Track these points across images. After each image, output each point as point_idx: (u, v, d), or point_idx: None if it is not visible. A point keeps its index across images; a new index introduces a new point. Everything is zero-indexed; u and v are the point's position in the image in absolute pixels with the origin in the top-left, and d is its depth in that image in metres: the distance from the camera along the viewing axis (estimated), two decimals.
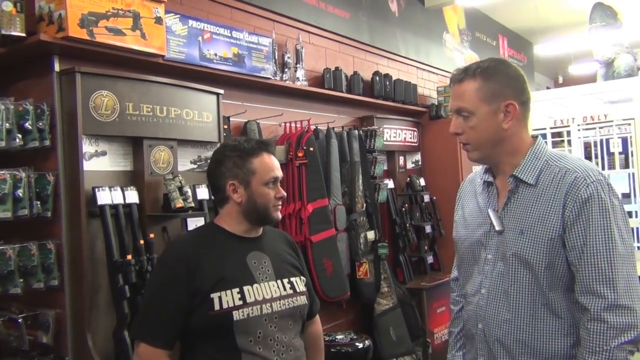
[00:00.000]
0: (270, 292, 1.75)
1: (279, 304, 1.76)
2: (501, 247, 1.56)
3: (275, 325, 1.73)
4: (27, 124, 2.21)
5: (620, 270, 1.41)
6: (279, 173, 1.83)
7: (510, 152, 1.57)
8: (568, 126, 5.32)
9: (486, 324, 1.57)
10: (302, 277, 1.89)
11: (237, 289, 1.70)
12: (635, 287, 1.42)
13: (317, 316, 2.05)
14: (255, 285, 1.73)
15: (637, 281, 1.43)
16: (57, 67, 2.31)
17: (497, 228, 1.55)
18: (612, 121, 5.06)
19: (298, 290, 1.83)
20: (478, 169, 1.76)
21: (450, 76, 1.63)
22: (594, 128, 5.31)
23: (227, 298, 1.67)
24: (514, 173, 1.55)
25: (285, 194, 1.85)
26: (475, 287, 1.63)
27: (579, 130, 5.16)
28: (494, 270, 1.57)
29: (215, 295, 1.67)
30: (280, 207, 1.84)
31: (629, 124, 5.13)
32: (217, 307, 1.66)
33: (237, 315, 1.67)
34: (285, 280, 1.81)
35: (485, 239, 1.61)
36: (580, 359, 1.42)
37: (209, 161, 1.94)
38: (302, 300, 1.84)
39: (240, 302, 1.68)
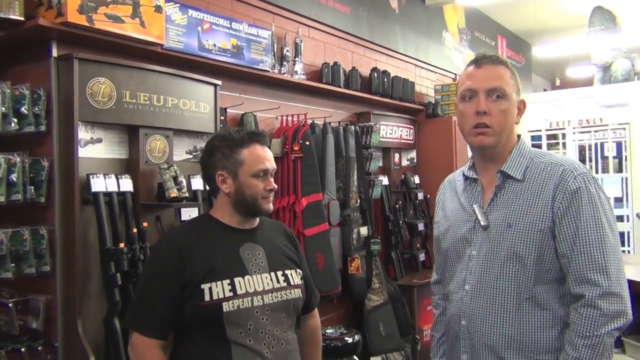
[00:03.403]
0: (263, 284, 1.74)
1: (271, 296, 1.75)
2: (487, 242, 1.56)
3: (267, 317, 1.72)
4: (23, 109, 2.20)
5: (612, 259, 1.45)
6: (269, 165, 1.80)
7: (505, 146, 1.60)
8: (563, 129, 5.35)
9: (470, 321, 1.58)
10: (298, 270, 1.87)
11: (228, 280, 1.69)
12: (624, 275, 1.47)
13: (316, 310, 2.04)
14: (246, 277, 1.72)
15: (624, 270, 1.49)
16: (54, 53, 2.29)
17: (482, 223, 1.56)
18: (607, 125, 5.09)
19: (292, 283, 1.81)
20: (458, 169, 1.78)
21: (478, 56, 1.61)
22: (589, 131, 5.34)
23: (218, 289, 1.67)
24: (502, 169, 1.58)
25: (275, 186, 1.82)
26: (459, 284, 1.63)
27: (574, 133, 5.19)
28: (478, 265, 1.58)
29: (205, 286, 1.67)
30: (271, 199, 1.81)
31: (624, 129, 5.17)
32: (207, 297, 1.66)
33: (226, 306, 1.66)
34: (279, 273, 1.80)
35: (470, 235, 1.61)
36: (568, 343, 1.45)
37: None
38: (296, 293, 1.82)
39: (231, 294, 1.67)
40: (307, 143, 3.41)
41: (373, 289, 3.94)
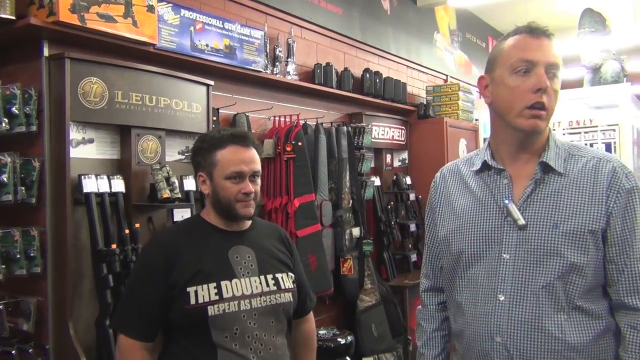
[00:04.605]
0: (251, 288, 1.71)
1: (260, 300, 1.72)
2: (524, 244, 1.35)
3: (255, 322, 1.70)
4: (14, 109, 2.18)
5: None
6: (245, 167, 1.73)
7: (544, 134, 1.41)
8: (554, 130, 5.37)
9: (509, 336, 1.35)
10: (289, 274, 1.84)
11: (214, 284, 1.67)
12: None
13: (311, 314, 2.01)
14: (234, 281, 1.70)
15: None
16: (46, 52, 2.27)
17: (520, 222, 1.35)
18: (597, 126, 5.12)
19: (282, 287, 1.78)
20: (458, 160, 1.60)
21: (532, 25, 1.38)
22: (579, 132, 5.37)
23: (203, 292, 1.65)
24: (544, 160, 1.37)
25: (252, 189, 1.74)
26: (486, 293, 1.39)
27: (564, 134, 5.21)
28: (514, 271, 1.36)
29: (191, 289, 1.65)
30: (249, 203, 1.74)
31: (614, 130, 5.20)
32: (192, 301, 1.64)
33: (212, 310, 1.64)
34: (269, 276, 1.77)
35: (498, 236, 1.39)
36: None
37: None
38: (287, 297, 1.78)
39: (217, 297, 1.65)
40: (300, 144, 3.40)
41: (365, 289, 3.94)
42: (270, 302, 1.74)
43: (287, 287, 1.80)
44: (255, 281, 1.73)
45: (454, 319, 1.52)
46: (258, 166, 1.78)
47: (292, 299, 1.81)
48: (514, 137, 1.40)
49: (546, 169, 1.38)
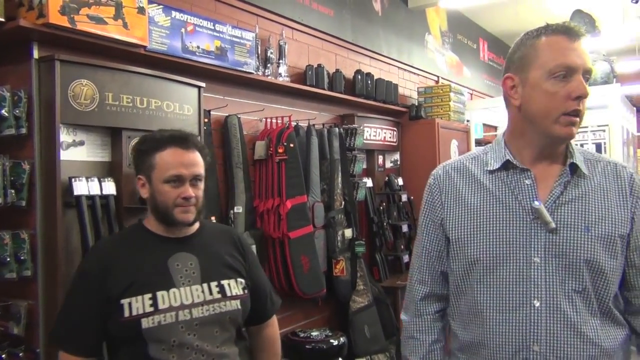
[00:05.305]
0: (191, 297, 1.64)
1: (201, 309, 1.64)
2: (555, 247, 1.30)
3: (195, 332, 1.62)
4: (3, 111, 2.16)
5: None
6: (184, 171, 1.65)
7: None
8: None
9: (549, 344, 1.28)
10: (239, 280, 1.75)
11: (150, 295, 1.60)
12: None
13: (274, 319, 1.94)
14: (172, 290, 1.63)
15: None
16: (36, 54, 2.26)
17: (552, 225, 1.29)
18: (587, 127, 5.15)
19: (229, 295, 1.69)
20: (461, 157, 1.51)
21: (569, 26, 1.32)
22: None
23: (137, 304, 1.58)
24: (573, 161, 1.33)
25: (192, 194, 1.66)
26: (517, 299, 1.31)
27: None
28: (547, 276, 1.30)
29: (125, 302, 1.58)
30: (189, 208, 1.66)
31: (604, 130, 5.24)
32: (126, 313, 1.58)
33: (146, 322, 1.57)
34: (214, 284, 1.68)
35: (526, 239, 1.32)
36: None
37: None
38: (233, 305, 1.69)
39: (152, 309, 1.59)
40: (292, 145, 3.40)
41: (358, 291, 3.94)
42: (213, 310, 1.65)
43: (234, 294, 1.71)
44: (196, 290, 1.66)
45: (463, 328, 1.42)
46: (200, 169, 1.69)
47: (239, 307, 1.71)
48: (541, 141, 1.34)
49: (573, 171, 1.34)
